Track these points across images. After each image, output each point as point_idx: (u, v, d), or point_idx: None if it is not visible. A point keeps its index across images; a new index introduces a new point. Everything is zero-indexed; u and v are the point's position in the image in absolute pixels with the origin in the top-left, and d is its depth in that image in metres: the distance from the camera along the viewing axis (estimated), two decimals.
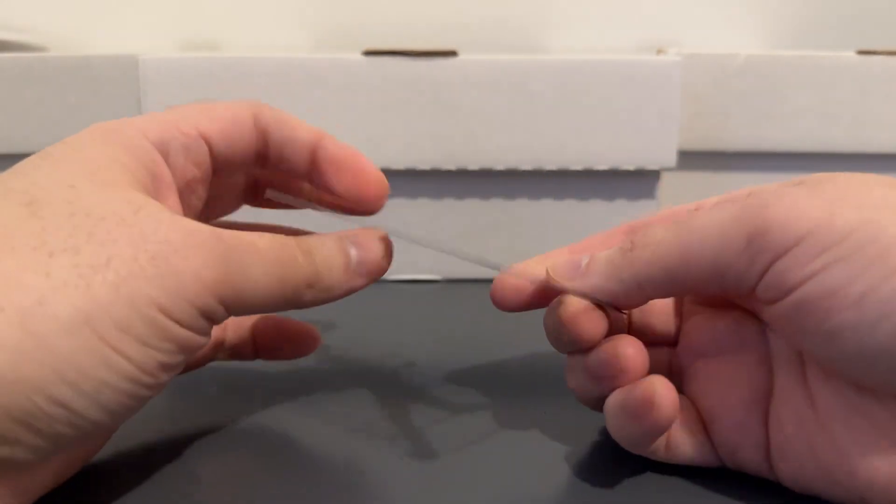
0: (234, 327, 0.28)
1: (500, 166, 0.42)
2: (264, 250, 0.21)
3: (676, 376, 0.24)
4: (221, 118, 0.23)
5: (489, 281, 0.24)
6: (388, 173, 0.24)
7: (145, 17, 0.58)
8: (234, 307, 0.20)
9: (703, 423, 0.22)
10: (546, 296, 0.23)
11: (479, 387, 0.29)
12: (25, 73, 0.43)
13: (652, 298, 0.22)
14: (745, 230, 0.19)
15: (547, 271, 0.23)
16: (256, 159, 0.24)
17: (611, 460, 0.23)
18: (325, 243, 0.22)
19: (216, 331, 0.27)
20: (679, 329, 0.25)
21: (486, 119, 0.41)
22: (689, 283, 0.20)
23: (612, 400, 0.22)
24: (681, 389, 0.23)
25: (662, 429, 0.21)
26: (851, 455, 0.19)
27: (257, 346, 0.28)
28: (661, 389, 0.20)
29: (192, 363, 0.27)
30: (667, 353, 0.25)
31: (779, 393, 0.21)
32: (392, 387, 0.29)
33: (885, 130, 0.45)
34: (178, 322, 0.18)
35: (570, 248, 0.25)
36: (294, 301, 0.22)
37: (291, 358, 0.29)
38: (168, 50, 0.58)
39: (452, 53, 0.40)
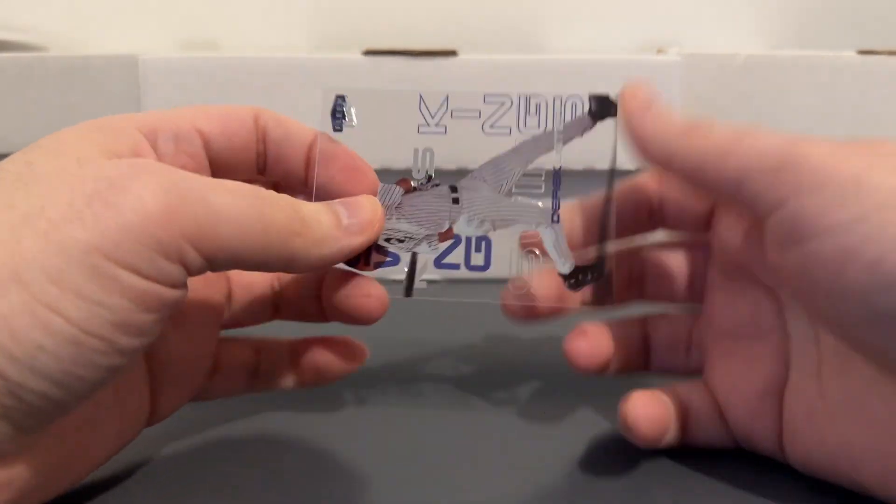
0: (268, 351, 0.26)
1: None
2: (230, 185, 0.19)
3: (696, 349, 0.25)
4: (218, 115, 0.22)
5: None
6: (389, 173, 0.24)
7: (145, 17, 0.58)
8: (207, 247, 0.17)
9: (719, 408, 0.23)
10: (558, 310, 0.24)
11: (481, 387, 0.29)
12: (25, 73, 0.43)
13: (676, 173, 0.22)
14: (782, 153, 0.19)
15: (622, 91, 0.23)
16: (257, 161, 0.23)
17: (615, 461, 0.23)
18: (309, 202, 0.21)
19: (246, 353, 0.25)
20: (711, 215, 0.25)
21: None
22: (712, 180, 0.20)
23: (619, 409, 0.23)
24: (701, 366, 0.25)
25: (647, 446, 0.23)
26: (855, 449, 0.20)
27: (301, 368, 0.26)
28: (635, 414, 0.22)
29: (216, 390, 0.25)
30: (688, 324, 0.26)
31: (792, 384, 0.22)
32: (392, 387, 0.29)
33: (885, 130, 0.45)
34: (129, 268, 0.16)
35: (582, 204, 0.25)
36: (283, 249, 0.19)
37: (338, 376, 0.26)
38: (168, 50, 0.58)
39: (452, 53, 0.40)
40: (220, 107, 0.23)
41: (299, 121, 0.24)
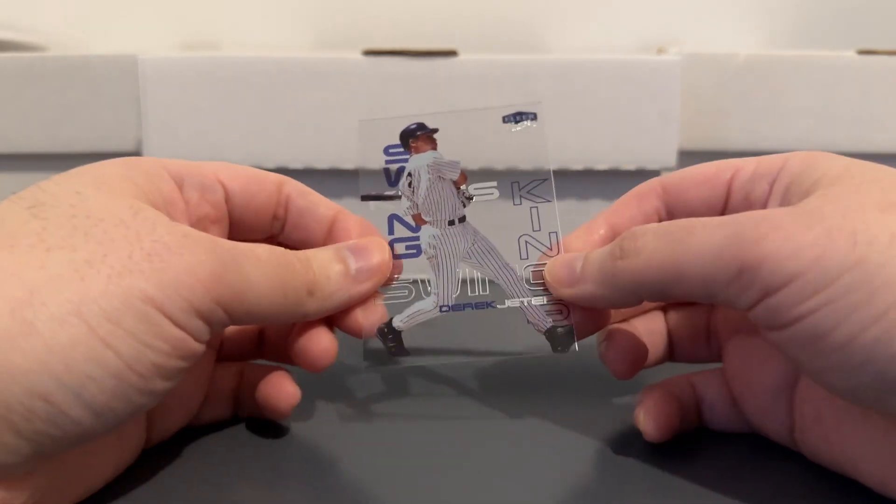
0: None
1: (500, 166, 0.42)
2: (261, 254, 0.21)
3: (714, 339, 0.26)
4: (244, 174, 0.24)
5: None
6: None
7: (145, 17, 0.58)
8: (235, 310, 0.20)
9: (734, 398, 0.24)
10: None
11: (482, 387, 0.29)
12: (25, 73, 0.43)
13: (648, 301, 0.22)
14: (737, 260, 0.18)
15: (545, 275, 0.24)
16: (272, 224, 0.25)
17: (620, 461, 0.23)
18: (320, 252, 0.23)
19: (231, 379, 0.26)
20: None
21: None
22: (684, 295, 0.20)
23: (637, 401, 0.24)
24: (719, 354, 0.26)
25: (649, 438, 0.23)
26: (856, 453, 0.21)
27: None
28: (643, 416, 0.23)
29: (206, 416, 0.25)
30: (706, 315, 0.26)
31: (803, 385, 0.22)
32: (390, 386, 0.29)
33: (885, 130, 0.45)
34: (172, 319, 0.18)
35: (587, 227, 0.25)
36: (297, 308, 0.22)
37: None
38: (168, 50, 0.58)
39: (452, 53, 0.40)
40: (246, 167, 0.25)
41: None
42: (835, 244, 0.18)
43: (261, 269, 0.20)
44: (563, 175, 0.43)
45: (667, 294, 0.21)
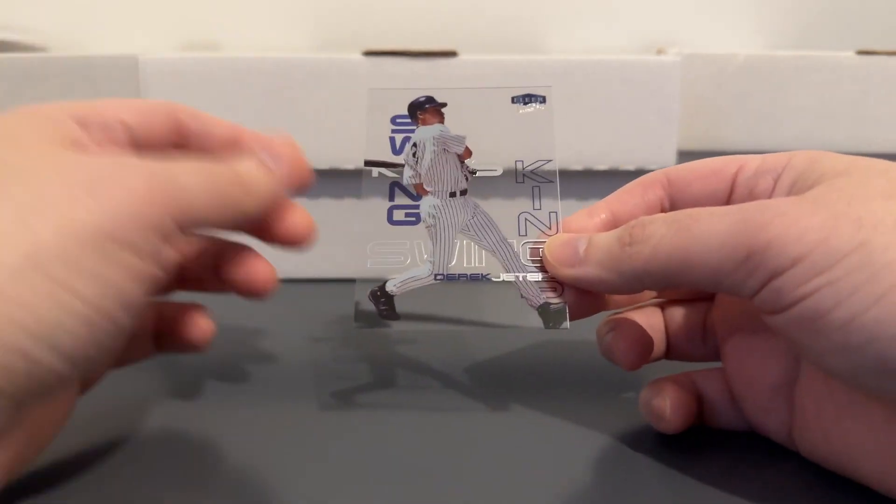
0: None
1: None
2: (189, 165, 0.21)
3: (711, 338, 0.26)
4: (137, 107, 0.24)
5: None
6: None
7: (145, 17, 0.58)
8: (184, 220, 0.20)
9: (733, 396, 0.24)
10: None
11: (480, 386, 0.29)
12: (25, 73, 0.43)
13: (650, 289, 0.23)
14: (744, 246, 0.19)
15: (543, 253, 0.24)
16: (174, 150, 0.25)
17: (620, 459, 0.23)
18: (234, 159, 0.23)
19: (151, 318, 0.26)
20: None
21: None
22: (688, 283, 0.21)
23: (643, 396, 0.25)
24: (715, 353, 0.26)
25: (671, 430, 0.24)
26: (857, 449, 0.21)
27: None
28: (670, 406, 0.23)
29: (131, 357, 0.25)
30: (703, 312, 0.26)
31: (803, 381, 0.22)
32: (390, 387, 0.29)
33: (885, 130, 0.45)
34: (129, 247, 0.18)
35: (588, 211, 0.25)
36: (238, 207, 0.22)
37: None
38: (168, 50, 0.58)
39: (452, 53, 0.40)
40: (138, 101, 0.25)
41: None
42: (840, 227, 0.18)
43: (194, 178, 0.21)
44: (563, 175, 0.43)
45: (672, 282, 0.21)
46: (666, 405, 0.24)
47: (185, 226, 0.20)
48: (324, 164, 0.41)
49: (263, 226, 0.24)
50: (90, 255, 0.17)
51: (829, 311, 0.18)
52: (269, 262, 0.24)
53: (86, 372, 0.18)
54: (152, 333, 0.26)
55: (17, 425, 0.18)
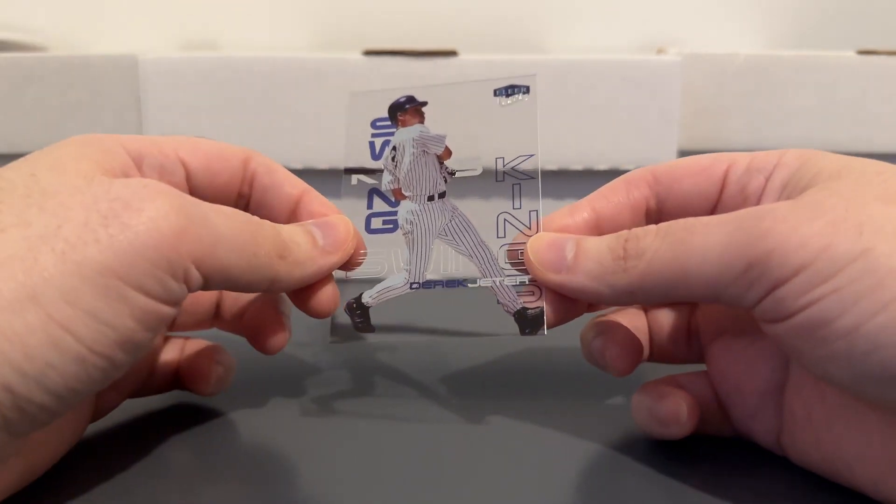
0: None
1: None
2: (228, 210, 0.20)
3: (695, 340, 0.25)
4: (206, 150, 0.23)
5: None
6: None
7: (145, 17, 0.58)
8: (207, 267, 0.18)
9: (720, 401, 0.24)
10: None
11: (479, 386, 0.29)
12: (25, 73, 0.43)
13: (642, 304, 0.22)
14: (744, 256, 0.18)
15: (526, 254, 0.23)
16: (237, 202, 0.24)
17: (620, 460, 0.23)
18: (287, 225, 0.23)
19: (173, 352, 0.26)
20: None
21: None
22: (685, 297, 0.20)
23: (639, 402, 0.23)
24: (699, 355, 0.25)
25: (680, 436, 0.23)
26: (849, 453, 0.20)
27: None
28: (686, 409, 0.23)
29: (149, 388, 0.25)
30: (687, 314, 0.25)
31: (792, 385, 0.22)
32: (389, 386, 0.29)
33: (885, 130, 0.45)
34: (137, 287, 0.17)
35: (570, 209, 0.24)
36: (268, 271, 0.21)
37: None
38: (168, 50, 0.58)
39: (452, 53, 0.40)
40: (209, 142, 0.24)
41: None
42: (841, 234, 0.18)
43: (229, 223, 0.19)
44: (563, 175, 0.43)
45: (668, 296, 0.20)
46: (681, 409, 0.23)
47: (207, 274, 0.19)
48: (323, 164, 0.41)
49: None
50: (91, 292, 0.16)
51: (834, 319, 0.17)
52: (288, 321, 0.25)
53: (76, 405, 0.18)
54: (175, 370, 0.26)
55: (12, 453, 0.18)
